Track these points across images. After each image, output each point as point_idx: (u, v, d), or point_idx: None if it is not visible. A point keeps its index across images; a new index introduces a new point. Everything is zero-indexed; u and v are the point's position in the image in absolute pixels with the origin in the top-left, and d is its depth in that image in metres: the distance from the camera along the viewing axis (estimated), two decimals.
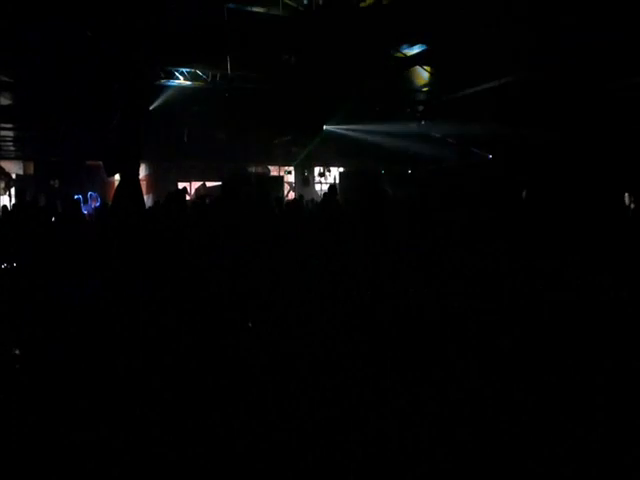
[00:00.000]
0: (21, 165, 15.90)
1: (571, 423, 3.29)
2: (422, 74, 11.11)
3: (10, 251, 5.59)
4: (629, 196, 7.80)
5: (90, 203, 14.49)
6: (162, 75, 10.02)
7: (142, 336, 4.66)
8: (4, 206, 10.78)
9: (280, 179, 17.58)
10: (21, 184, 14.06)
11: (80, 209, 9.55)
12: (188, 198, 11.57)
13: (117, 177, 9.99)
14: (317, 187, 18.66)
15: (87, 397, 3.64)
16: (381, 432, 3.22)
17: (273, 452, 3.02)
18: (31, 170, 15.55)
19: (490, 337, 4.90)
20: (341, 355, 4.51)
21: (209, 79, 10.72)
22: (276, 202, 9.79)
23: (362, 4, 8.49)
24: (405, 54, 9.46)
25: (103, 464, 2.90)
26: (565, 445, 3.06)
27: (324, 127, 13.40)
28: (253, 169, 17.27)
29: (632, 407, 3.45)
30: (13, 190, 14.49)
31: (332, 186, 8.52)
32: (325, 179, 18.55)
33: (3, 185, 14.67)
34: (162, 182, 15.42)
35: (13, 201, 13.86)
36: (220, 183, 14.90)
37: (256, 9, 8.09)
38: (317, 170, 18.69)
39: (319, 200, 11.43)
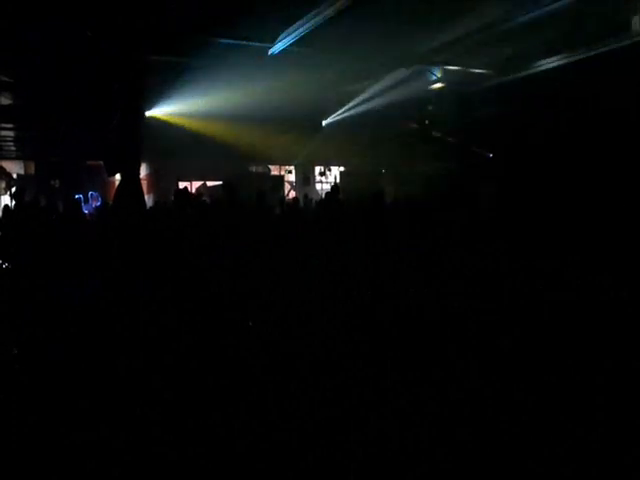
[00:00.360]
0: (22, 165, 15.91)
1: (571, 423, 3.30)
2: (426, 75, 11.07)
3: (10, 251, 5.59)
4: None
5: (91, 203, 14.50)
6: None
7: (142, 336, 4.66)
8: (6, 206, 10.77)
9: (280, 178, 17.58)
10: (22, 184, 14.07)
11: (81, 209, 9.55)
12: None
13: (118, 177, 10.00)
14: (318, 186, 18.65)
15: (87, 397, 3.64)
16: (381, 432, 3.23)
17: (273, 452, 3.02)
18: (32, 170, 15.56)
19: (490, 337, 4.91)
20: (341, 355, 4.51)
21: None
22: (279, 201, 9.87)
23: None
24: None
25: (103, 464, 2.90)
26: (565, 445, 3.06)
27: (323, 123, 13.37)
28: (254, 168, 17.27)
29: (632, 407, 3.45)
30: (14, 190, 14.49)
31: (335, 185, 8.56)
32: (326, 178, 18.55)
33: (4, 185, 14.68)
34: (163, 182, 15.42)
35: (14, 202, 13.87)
36: (221, 183, 14.90)
37: None
38: (318, 169, 18.69)
39: (319, 199, 11.42)
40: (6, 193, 14.65)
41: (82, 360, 4.27)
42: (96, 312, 4.95)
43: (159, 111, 12.24)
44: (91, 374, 4.01)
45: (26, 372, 4.22)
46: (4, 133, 13.93)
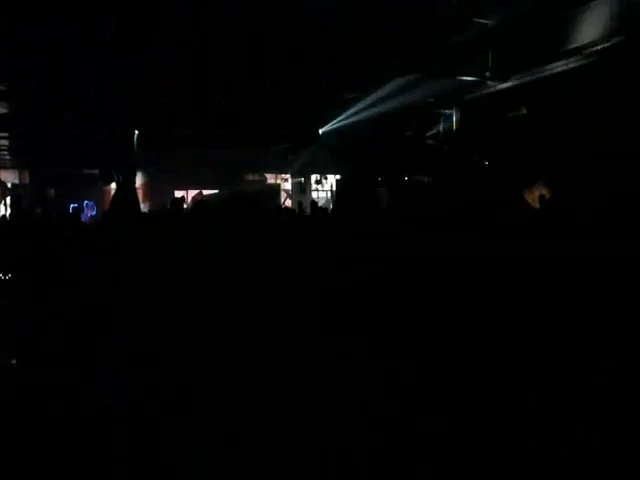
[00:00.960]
0: (17, 174, 15.88)
1: (571, 423, 3.27)
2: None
3: (10, 261, 5.55)
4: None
5: (86, 212, 14.45)
6: None
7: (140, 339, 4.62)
8: (3, 216, 10.69)
9: (277, 187, 17.61)
10: (17, 193, 14.06)
11: (79, 218, 9.49)
12: (185, 206, 11.52)
13: (113, 186, 9.94)
14: (314, 194, 18.67)
15: (86, 398, 3.60)
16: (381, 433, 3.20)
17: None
18: (27, 179, 15.53)
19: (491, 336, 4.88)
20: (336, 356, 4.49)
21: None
22: (277, 209, 10.10)
23: None
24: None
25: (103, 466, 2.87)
26: (565, 445, 3.03)
27: (320, 131, 13.40)
28: (250, 177, 17.30)
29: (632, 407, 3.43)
30: (9, 199, 14.46)
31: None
32: (322, 186, 18.58)
33: None
34: (159, 190, 15.40)
35: (9, 210, 13.82)
36: (217, 191, 14.92)
37: None
38: (314, 178, 18.71)
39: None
40: (0, 202, 14.59)
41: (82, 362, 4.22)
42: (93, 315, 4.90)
43: None
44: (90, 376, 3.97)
45: (25, 376, 4.18)
46: None
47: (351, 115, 12.16)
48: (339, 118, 12.49)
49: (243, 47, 7.61)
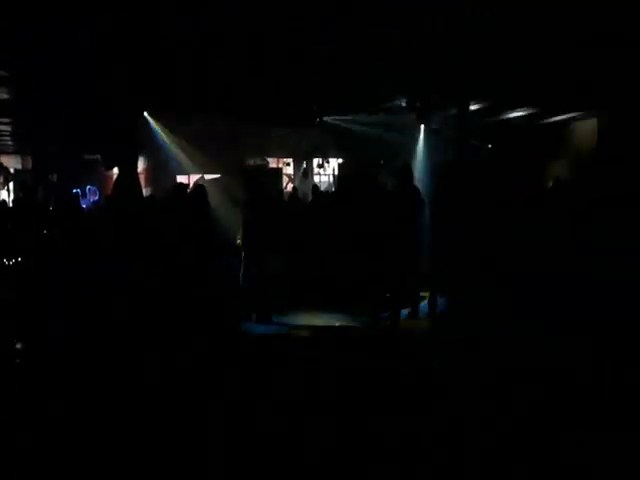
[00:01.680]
0: (19, 159, 15.88)
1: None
2: None
3: (15, 245, 5.59)
4: None
5: (89, 197, 14.47)
6: None
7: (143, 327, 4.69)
8: (3, 201, 10.71)
9: (279, 171, 17.50)
10: (20, 178, 14.10)
11: (79, 203, 9.52)
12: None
13: (115, 170, 9.92)
14: (316, 179, 18.58)
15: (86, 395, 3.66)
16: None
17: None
18: (29, 164, 15.53)
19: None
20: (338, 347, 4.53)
21: None
22: (278, 194, 10.10)
23: None
24: None
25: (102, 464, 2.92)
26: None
27: (323, 119, 13.30)
28: (252, 161, 17.20)
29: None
30: (12, 185, 14.50)
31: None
32: (324, 170, 18.46)
33: (2, 180, 14.66)
34: (161, 175, 15.35)
35: (12, 196, 13.87)
36: (219, 176, 14.87)
37: None
38: (316, 161, 18.58)
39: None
40: (4, 188, 14.63)
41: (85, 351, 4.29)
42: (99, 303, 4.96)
43: None
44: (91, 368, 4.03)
45: (26, 367, 4.24)
46: (1, 127, 13.84)
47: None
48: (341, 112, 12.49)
49: (243, 47, 7.47)
